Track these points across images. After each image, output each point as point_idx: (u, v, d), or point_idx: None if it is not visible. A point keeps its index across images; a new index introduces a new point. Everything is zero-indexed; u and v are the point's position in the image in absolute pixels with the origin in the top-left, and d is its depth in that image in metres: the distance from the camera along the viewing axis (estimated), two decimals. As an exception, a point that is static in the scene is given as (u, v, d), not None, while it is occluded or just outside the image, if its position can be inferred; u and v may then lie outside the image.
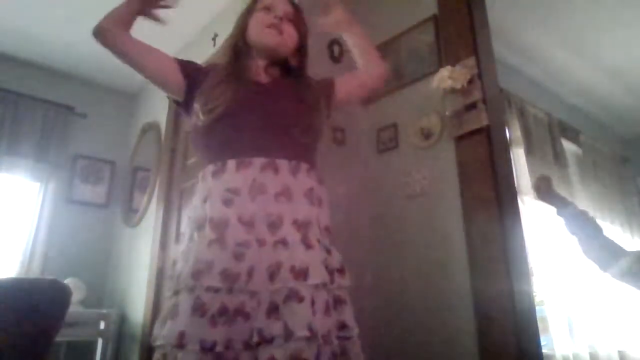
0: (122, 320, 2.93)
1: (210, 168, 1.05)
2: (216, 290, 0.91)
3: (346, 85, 1.34)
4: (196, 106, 1.12)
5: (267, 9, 1.22)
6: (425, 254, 1.76)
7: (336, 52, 2.23)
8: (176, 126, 3.01)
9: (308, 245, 0.99)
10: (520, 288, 1.47)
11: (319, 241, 1.02)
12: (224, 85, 1.11)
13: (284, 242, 0.97)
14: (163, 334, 0.91)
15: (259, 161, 1.02)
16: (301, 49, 1.29)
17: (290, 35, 1.23)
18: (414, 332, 1.71)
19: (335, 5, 1.38)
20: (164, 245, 2.74)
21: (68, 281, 2.66)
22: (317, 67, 2.13)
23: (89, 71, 3.56)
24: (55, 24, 3.02)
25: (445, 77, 1.71)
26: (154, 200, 3.00)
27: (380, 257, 1.93)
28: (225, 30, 2.77)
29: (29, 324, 1.39)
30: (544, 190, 1.84)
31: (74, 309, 2.50)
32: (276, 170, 1.03)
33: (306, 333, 0.86)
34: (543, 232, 2.94)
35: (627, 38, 3.28)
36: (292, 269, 0.93)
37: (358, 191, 2.07)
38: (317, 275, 0.95)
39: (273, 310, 0.90)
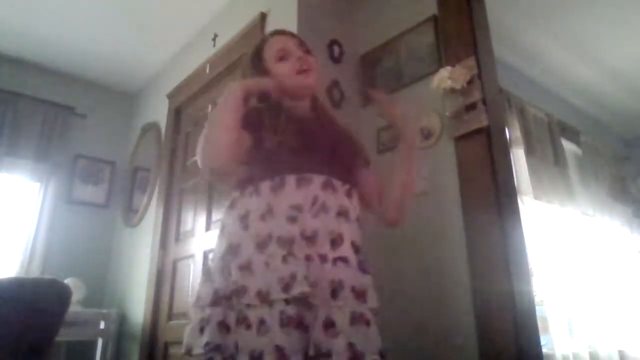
0: (122, 320, 2.93)
1: (268, 183, 1.04)
2: (299, 300, 0.92)
3: (369, 188, 1.26)
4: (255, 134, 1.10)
5: (282, 57, 1.20)
6: (425, 253, 1.76)
7: (336, 52, 2.23)
8: (176, 126, 3.01)
9: (363, 269, 1.05)
10: (520, 288, 1.47)
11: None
12: (283, 116, 1.11)
13: (345, 260, 1.00)
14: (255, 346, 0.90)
15: (319, 179, 1.04)
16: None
17: (315, 67, 1.23)
18: (414, 332, 1.71)
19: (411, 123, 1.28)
20: (164, 245, 2.74)
21: (68, 281, 2.66)
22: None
23: (89, 71, 3.56)
24: (55, 25, 3.02)
25: (445, 78, 1.71)
26: (154, 200, 3.00)
27: (380, 257, 1.93)
28: (226, 30, 2.79)
29: (29, 323, 1.39)
30: None
31: (74, 308, 2.50)
32: (334, 189, 1.05)
33: (375, 357, 0.93)
34: (543, 232, 2.94)
35: (627, 38, 3.28)
36: (353, 289, 0.98)
37: (358, 191, 2.07)
38: (373, 299, 1.04)
39: (330, 325, 0.92)
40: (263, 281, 0.94)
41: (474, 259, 1.57)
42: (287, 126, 1.09)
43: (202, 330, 0.97)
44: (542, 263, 2.85)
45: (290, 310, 0.91)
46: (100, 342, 2.82)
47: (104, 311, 2.91)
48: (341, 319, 0.93)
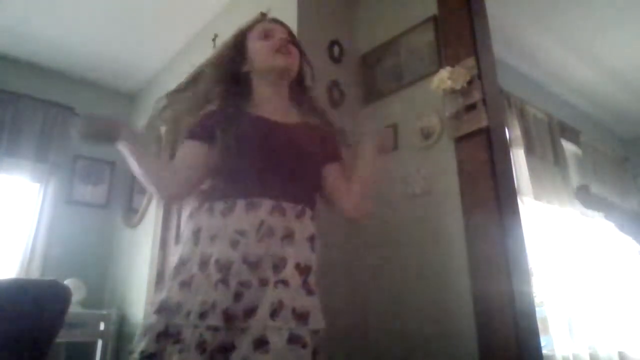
0: (122, 320, 2.93)
1: (220, 206, 1.05)
2: (216, 329, 0.93)
3: (333, 181, 1.25)
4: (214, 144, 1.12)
5: (266, 36, 1.21)
6: (425, 254, 1.76)
7: (336, 52, 2.23)
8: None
9: (309, 291, 1.02)
10: (520, 288, 1.47)
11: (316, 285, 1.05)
12: (235, 125, 1.11)
13: (285, 283, 0.98)
14: None
15: (268, 203, 1.04)
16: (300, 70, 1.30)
17: (296, 55, 1.23)
18: (414, 332, 1.71)
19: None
20: (164, 245, 2.74)
21: (68, 281, 2.66)
22: (317, 67, 2.13)
23: (89, 71, 3.56)
24: (55, 25, 3.02)
25: (445, 78, 1.71)
26: (154, 200, 3.00)
27: (380, 257, 1.93)
28: (226, 30, 2.79)
29: (29, 324, 1.39)
30: (586, 198, 1.80)
31: (74, 309, 2.50)
32: (283, 213, 1.05)
33: None
34: (543, 232, 2.94)
35: (627, 38, 3.28)
36: (294, 310, 0.96)
37: (358, 191, 2.07)
38: (318, 321, 0.99)
39: (261, 344, 0.90)
40: (191, 303, 0.97)
41: (474, 259, 1.57)
42: (241, 144, 1.08)
43: (140, 336, 0.99)
44: (542, 263, 2.85)
45: (208, 335, 0.92)
46: (100, 343, 2.82)
47: (104, 312, 2.91)
48: (277, 339, 0.92)
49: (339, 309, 1.82)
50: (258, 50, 1.20)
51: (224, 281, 0.97)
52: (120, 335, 2.89)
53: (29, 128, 3.20)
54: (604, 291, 3.31)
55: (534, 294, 1.62)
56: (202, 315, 0.94)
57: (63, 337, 2.22)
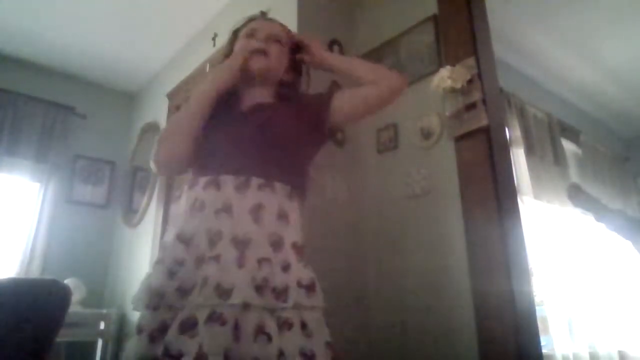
0: (122, 320, 2.93)
1: (202, 179, 1.06)
2: (154, 309, 0.95)
3: (348, 101, 1.19)
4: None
5: (250, 35, 1.23)
6: (425, 253, 1.76)
7: (336, 52, 2.22)
8: (176, 126, 3.00)
9: (240, 264, 0.94)
10: (520, 288, 1.47)
11: (264, 259, 0.97)
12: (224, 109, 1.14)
13: (216, 259, 0.94)
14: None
15: (204, 180, 1.03)
16: (295, 66, 1.30)
17: (277, 56, 1.22)
18: (414, 332, 1.71)
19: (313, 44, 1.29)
20: (164, 245, 2.74)
21: (68, 281, 2.66)
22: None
23: (89, 71, 3.56)
24: (56, 25, 3.02)
25: (445, 77, 1.71)
26: (154, 200, 3.00)
27: (381, 257, 1.93)
28: (226, 30, 2.79)
29: (29, 324, 1.39)
30: (576, 197, 1.79)
31: (74, 309, 2.50)
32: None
33: (219, 359, 0.82)
34: (543, 232, 2.94)
35: (627, 38, 3.28)
36: (218, 286, 0.89)
37: (358, 191, 2.07)
38: (240, 295, 0.88)
39: (190, 326, 0.87)
40: (163, 282, 0.97)
41: (474, 259, 1.57)
42: (231, 121, 1.11)
43: (140, 331, 0.98)
44: (542, 263, 2.85)
45: (149, 318, 0.97)
46: (100, 342, 2.82)
47: (104, 311, 2.91)
48: (202, 320, 0.88)
49: (339, 309, 1.83)
50: (235, 51, 1.22)
51: (161, 261, 1.03)
52: (120, 335, 2.89)
53: (29, 128, 3.20)
54: (604, 291, 3.31)
55: (534, 294, 1.62)
56: (144, 299, 1.01)
57: (63, 336, 2.21)
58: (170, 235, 1.04)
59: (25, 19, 2.94)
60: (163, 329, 0.92)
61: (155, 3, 2.81)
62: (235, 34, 1.29)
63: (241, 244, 0.96)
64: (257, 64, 1.17)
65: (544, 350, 1.82)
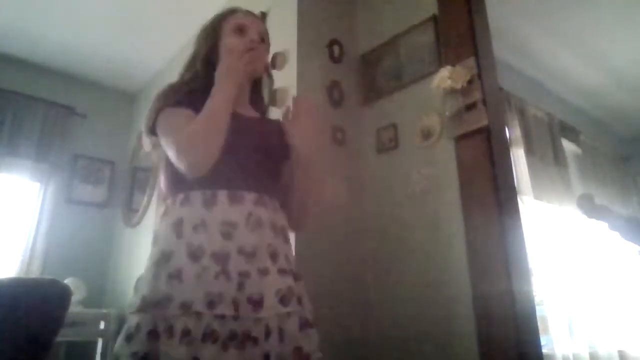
0: (122, 320, 2.93)
1: (199, 196, 1.03)
2: (223, 318, 0.94)
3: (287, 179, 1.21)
4: None
5: (240, 30, 1.19)
6: (425, 253, 1.76)
7: (336, 52, 2.23)
8: (176, 126, 3.00)
9: (295, 277, 1.07)
10: (520, 288, 1.47)
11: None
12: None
13: (284, 271, 1.03)
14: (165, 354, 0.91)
15: (251, 196, 1.05)
16: (268, 72, 1.32)
17: (264, 58, 1.23)
18: (414, 331, 1.71)
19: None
20: (164, 245, 2.73)
21: (68, 281, 2.66)
22: (317, 67, 2.13)
23: (89, 71, 3.56)
24: (56, 25, 3.02)
25: (445, 77, 1.71)
26: (154, 200, 3.00)
27: (380, 257, 1.93)
28: (225, 30, 2.77)
29: (29, 324, 1.39)
30: (589, 208, 1.75)
31: (74, 309, 2.50)
32: (265, 205, 1.07)
33: (319, 354, 1.01)
34: (543, 232, 2.94)
35: (627, 38, 3.28)
36: (299, 297, 1.03)
37: (358, 191, 2.07)
38: (308, 304, 1.08)
39: (268, 333, 0.95)
40: (190, 292, 0.94)
41: (474, 259, 1.57)
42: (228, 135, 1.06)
43: (129, 338, 0.95)
44: (542, 263, 2.85)
45: (216, 324, 0.92)
46: (100, 342, 2.82)
47: (104, 311, 2.91)
48: (292, 325, 0.99)
49: (339, 309, 1.83)
50: (229, 48, 1.17)
51: (225, 272, 0.97)
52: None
53: (29, 128, 3.20)
54: (604, 291, 3.31)
55: (534, 294, 1.62)
56: (210, 305, 0.93)
57: (63, 336, 2.21)
58: (215, 245, 0.99)
59: (25, 19, 2.94)
60: (233, 337, 0.93)
61: (155, 3, 2.81)
62: (218, 23, 1.22)
63: (289, 260, 1.07)
64: (251, 66, 1.14)
65: (544, 350, 1.82)
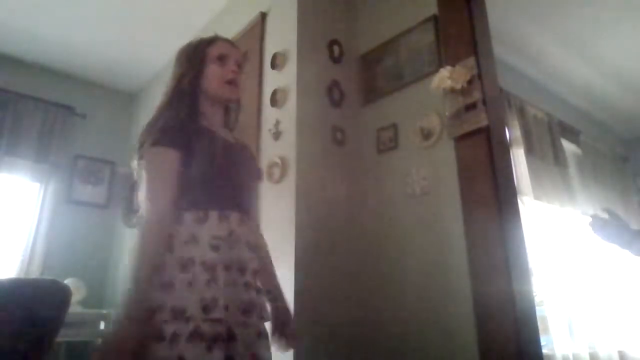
0: (122, 320, 2.93)
1: (191, 215, 1.12)
2: (214, 322, 1.02)
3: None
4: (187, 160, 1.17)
5: (221, 59, 1.29)
6: (425, 253, 1.76)
7: (336, 52, 2.23)
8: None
9: (258, 290, 1.18)
10: (520, 288, 1.47)
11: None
12: (208, 143, 1.18)
13: (248, 285, 1.13)
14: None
15: (236, 216, 1.16)
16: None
17: (241, 85, 1.33)
18: (414, 331, 1.71)
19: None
20: (164, 245, 2.73)
21: (68, 281, 2.66)
22: (317, 67, 2.13)
23: (89, 71, 3.56)
24: (56, 25, 3.02)
25: (445, 77, 1.71)
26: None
27: (380, 257, 1.93)
28: (225, 30, 2.80)
29: (29, 324, 1.39)
30: (603, 230, 1.68)
31: (74, 309, 2.50)
32: (246, 225, 1.19)
33: None
34: (543, 232, 2.94)
35: (627, 38, 3.28)
36: (261, 310, 1.16)
37: (358, 191, 2.07)
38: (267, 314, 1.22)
39: (231, 338, 1.06)
40: (181, 299, 1.02)
41: (474, 259, 1.57)
42: (212, 156, 1.16)
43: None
44: (542, 263, 2.85)
45: (206, 328, 1.00)
46: (100, 342, 2.81)
47: (104, 312, 2.91)
48: (250, 334, 1.11)
49: (338, 309, 1.83)
50: (211, 76, 1.28)
51: (214, 280, 1.06)
52: (120, 335, 2.89)
53: (29, 128, 3.20)
54: (604, 291, 3.31)
55: (534, 294, 1.62)
56: (205, 309, 1.02)
57: (63, 336, 2.21)
58: (207, 256, 1.09)
59: (25, 19, 2.94)
60: (218, 337, 1.02)
61: (155, 4, 2.81)
62: (203, 50, 1.31)
63: (254, 275, 1.18)
64: (232, 95, 1.30)
65: (544, 350, 1.82)
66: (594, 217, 1.65)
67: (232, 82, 1.28)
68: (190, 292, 1.03)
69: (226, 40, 1.37)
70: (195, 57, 1.31)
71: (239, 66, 1.32)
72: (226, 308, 1.05)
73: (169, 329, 0.99)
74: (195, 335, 0.99)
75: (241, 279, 1.12)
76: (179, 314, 1.00)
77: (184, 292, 1.03)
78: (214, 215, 1.13)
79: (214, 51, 1.30)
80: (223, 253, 1.10)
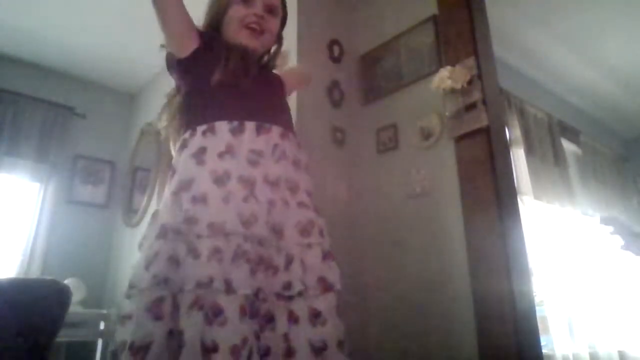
0: (122, 320, 2.93)
1: (225, 125, 1.04)
2: (252, 240, 0.93)
3: (290, 83, 1.39)
4: (204, 68, 1.12)
5: (246, 1, 1.19)
6: (425, 254, 1.76)
7: (336, 52, 2.23)
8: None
9: (317, 211, 1.10)
10: (520, 288, 1.47)
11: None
12: (231, 54, 1.13)
13: (304, 205, 1.06)
14: (184, 276, 0.89)
15: (277, 129, 1.08)
16: (279, 38, 1.32)
17: (270, 32, 1.23)
18: (414, 332, 1.71)
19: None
20: (164, 245, 2.73)
21: (68, 281, 2.66)
22: (317, 67, 2.13)
23: (89, 71, 3.56)
24: (55, 25, 3.02)
25: (445, 78, 1.71)
26: (154, 200, 3.00)
27: (381, 257, 1.93)
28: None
29: (29, 324, 1.39)
30: (614, 226, 1.70)
31: (74, 309, 2.50)
32: (289, 139, 1.11)
33: (339, 287, 1.06)
34: (543, 232, 2.94)
35: (627, 38, 3.28)
36: (320, 229, 1.05)
37: (358, 191, 2.07)
38: (328, 238, 1.09)
39: (289, 262, 0.97)
40: (217, 214, 0.93)
41: (474, 259, 1.57)
42: (240, 66, 1.10)
43: (147, 265, 0.95)
44: (542, 263, 2.85)
45: (248, 246, 0.92)
46: (100, 342, 2.82)
47: (104, 311, 2.91)
48: (313, 256, 1.01)
49: (338, 309, 1.82)
50: (230, 18, 1.19)
51: (253, 196, 0.97)
52: (120, 335, 2.89)
53: (29, 128, 3.20)
54: (604, 291, 3.31)
55: (534, 294, 1.62)
56: (246, 225, 0.93)
57: (63, 336, 2.21)
58: (243, 170, 1.01)
59: (25, 19, 2.94)
60: (260, 262, 0.95)
61: (155, 3, 2.80)
62: None
63: (310, 194, 1.12)
64: (250, 42, 1.17)
65: (544, 350, 1.82)
66: (621, 233, 1.65)
67: (251, 27, 1.16)
68: (227, 207, 0.94)
69: None
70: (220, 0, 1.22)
71: (270, 10, 1.21)
72: (275, 229, 0.97)
73: (204, 245, 0.90)
74: (240, 254, 0.90)
75: (293, 199, 1.03)
76: (218, 230, 0.91)
77: (220, 206, 0.94)
78: (250, 126, 1.04)
79: None
80: (264, 168, 1.01)
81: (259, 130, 1.04)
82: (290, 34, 2.10)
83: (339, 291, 1.04)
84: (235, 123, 1.04)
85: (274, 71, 1.34)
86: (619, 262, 3.60)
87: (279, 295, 0.94)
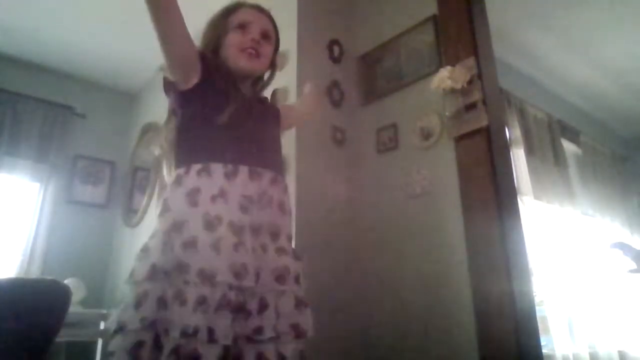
0: (122, 320, 2.93)
1: (220, 168, 1.04)
2: (239, 289, 0.95)
3: (288, 118, 1.39)
4: (201, 104, 1.13)
5: (242, 27, 1.21)
6: (425, 254, 1.76)
7: (336, 52, 2.23)
8: (176, 126, 3.00)
9: (296, 257, 1.11)
10: (520, 288, 1.47)
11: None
12: (233, 92, 1.14)
13: (284, 251, 1.07)
14: (178, 322, 0.90)
15: (269, 174, 1.10)
16: (272, 63, 1.32)
17: (266, 56, 1.24)
18: (414, 332, 1.71)
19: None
20: (164, 245, 2.73)
21: (68, 281, 2.66)
22: (317, 67, 2.14)
23: (89, 71, 3.56)
24: (55, 25, 3.02)
25: (445, 77, 1.71)
26: (154, 200, 3.00)
27: (380, 257, 1.93)
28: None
29: (29, 324, 1.39)
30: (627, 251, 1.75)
31: (74, 309, 2.50)
32: (278, 184, 1.12)
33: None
34: (543, 232, 2.94)
35: (627, 38, 3.28)
36: (296, 276, 1.07)
37: (358, 192, 2.07)
38: (303, 284, 1.10)
39: (263, 308, 0.98)
40: (208, 262, 0.94)
41: (474, 259, 1.57)
42: (237, 105, 1.11)
43: (137, 305, 0.95)
44: (542, 263, 2.85)
45: (232, 295, 0.93)
46: (100, 342, 2.82)
47: (104, 311, 2.91)
48: (286, 303, 1.03)
49: (339, 309, 1.83)
50: (228, 44, 1.21)
51: (243, 244, 0.98)
52: (120, 335, 2.89)
53: (29, 128, 3.20)
54: (604, 291, 3.31)
55: (534, 294, 1.62)
56: (237, 276, 0.94)
57: (63, 336, 2.21)
58: (234, 216, 1.01)
59: (25, 18, 2.94)
60: (240, 308, 0.95)
61: (155, 3, 2.80)
62: (227, 14, 1.25)
63: (289, 238, 1.13)
64: (248, 64, 1.20)
65: (544, 350, 1.82)
66: (630, 257, 1.69)
67: (248, 51, 1.18)
68: (218, 255, 0.94)
69: (252, 7, 1.26)
70: (217, 26, 1.25)
71: (265, 36, 1.22)
72: (257, 276, 0.97)
73: (192, 292, 0.91)
74: (224, 304, 0.91)
75: (273, 245, 1.04)
76: (207, 278, 0.92)
77: (211, 253, 0.94)
78: (244, 170, 1.05)
79: (235, 19, 1.22)
80: (253, 215, 1.02)
81: (251, 176, 1.06)
82: (290, 34, 2.11)
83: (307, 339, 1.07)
84: (230, 167, 1.05)
85: (278, 106, 1.41)
86: (619, 261, 3.60)
87: (249, 339, 0.95)
